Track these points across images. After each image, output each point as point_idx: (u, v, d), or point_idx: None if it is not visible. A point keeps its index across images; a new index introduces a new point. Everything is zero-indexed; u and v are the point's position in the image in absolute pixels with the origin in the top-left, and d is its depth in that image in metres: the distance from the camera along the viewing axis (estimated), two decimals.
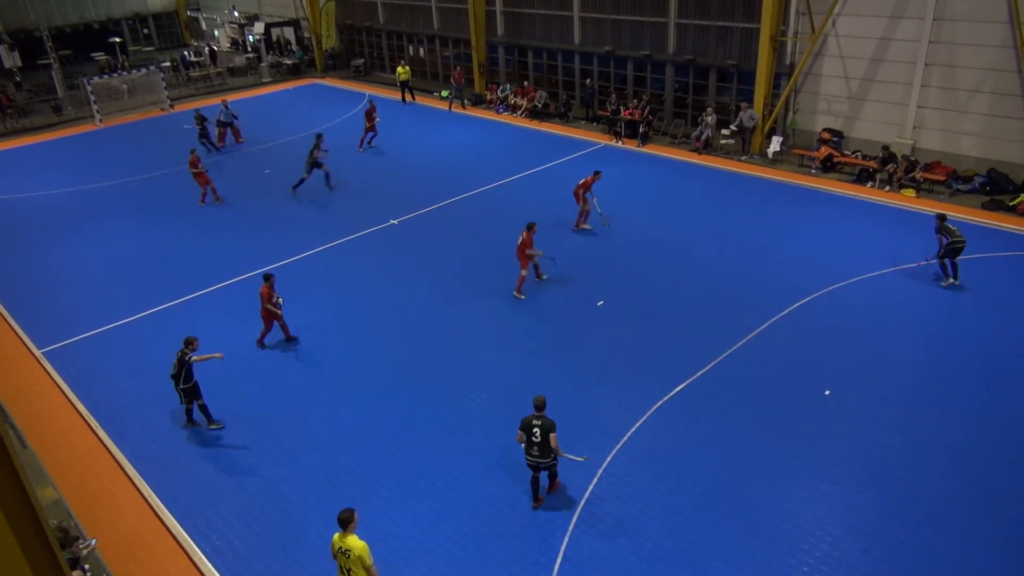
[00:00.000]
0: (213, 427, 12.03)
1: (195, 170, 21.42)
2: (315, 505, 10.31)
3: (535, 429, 9.53)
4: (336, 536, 7.93)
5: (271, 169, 24.80)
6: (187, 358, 11.58)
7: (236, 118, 27.97)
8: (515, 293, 15.53)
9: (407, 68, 32.86)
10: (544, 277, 16.18)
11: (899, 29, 20.26)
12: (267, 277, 13.93)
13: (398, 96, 33.16)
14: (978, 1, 18.64)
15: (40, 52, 37.97)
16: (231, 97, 31.13)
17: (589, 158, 23.88)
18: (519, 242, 15.25)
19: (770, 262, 16.50)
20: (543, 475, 10.05)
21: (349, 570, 7.86)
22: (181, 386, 11.73)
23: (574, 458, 9.90)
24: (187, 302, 16.18)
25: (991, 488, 10.01)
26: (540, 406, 9.64)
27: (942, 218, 14.86)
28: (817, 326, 13.92)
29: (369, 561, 7.79)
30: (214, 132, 27.28)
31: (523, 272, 15.46)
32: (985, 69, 19.06)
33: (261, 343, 14.35)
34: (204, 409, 11.97)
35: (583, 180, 18.06)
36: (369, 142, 26.50)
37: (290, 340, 14.39)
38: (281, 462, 11.22)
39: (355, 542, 7.79)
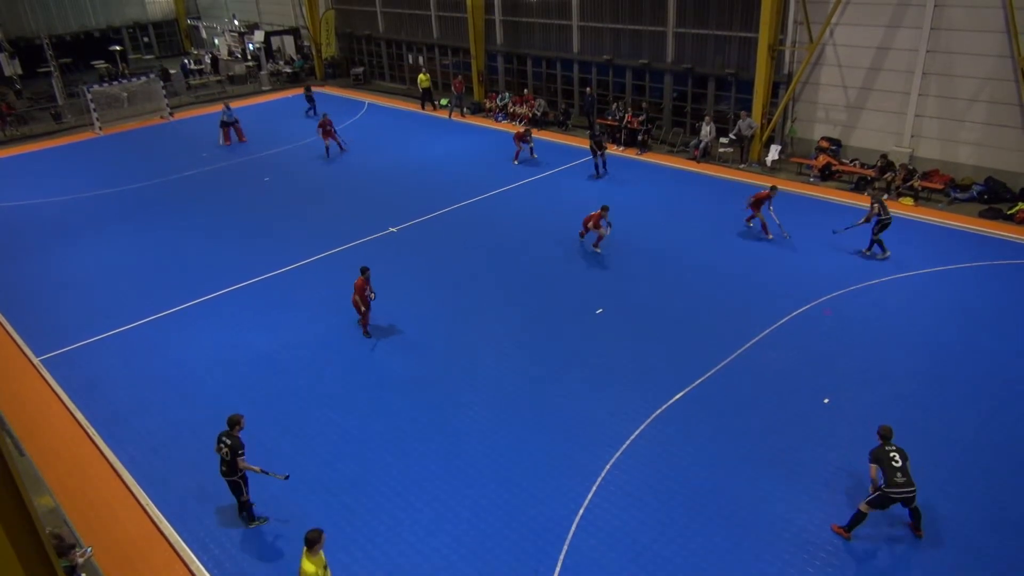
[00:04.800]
0: (255, 524, 10.26)
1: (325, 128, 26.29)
2: (313, 513, 10.26)
3: (894, 454, 9.08)
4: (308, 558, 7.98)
5: (270, 177, 24.83)
6: (237, 453, 9.72)
7: (237, 121, 29.01)
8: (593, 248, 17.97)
9: (427, 76, 32.87)
10: (598, 250, 17.86)
11: (897, 38, 20.35)
12: (364, 270, 14.29)
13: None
14: (975, 11, 18.74)
15: (40, 60, 38.12)
16: (231, 104, 31.27)
17: (589, 165, 23.91)
18: (590, 215, 17.66)
19: (769, 270, 16.52)
20: (901, 512, 9.40)
21: None
22: (228, 477, 9.92)
23: None
24: (185, 309, 16.16)
25: (993, 496, 9.99)
26: (889, 435, 9.29)
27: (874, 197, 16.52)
28: (816, 334, 13.92)
29: None
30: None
31: (600, 232, 17.74)
32: (983, 78, 19.13)
33: (366, 332, 14.71)
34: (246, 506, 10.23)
35: (757, 194, 18.23)
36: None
37: (367, 335, 14.65)
38: (278, 469, 11.15)
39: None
